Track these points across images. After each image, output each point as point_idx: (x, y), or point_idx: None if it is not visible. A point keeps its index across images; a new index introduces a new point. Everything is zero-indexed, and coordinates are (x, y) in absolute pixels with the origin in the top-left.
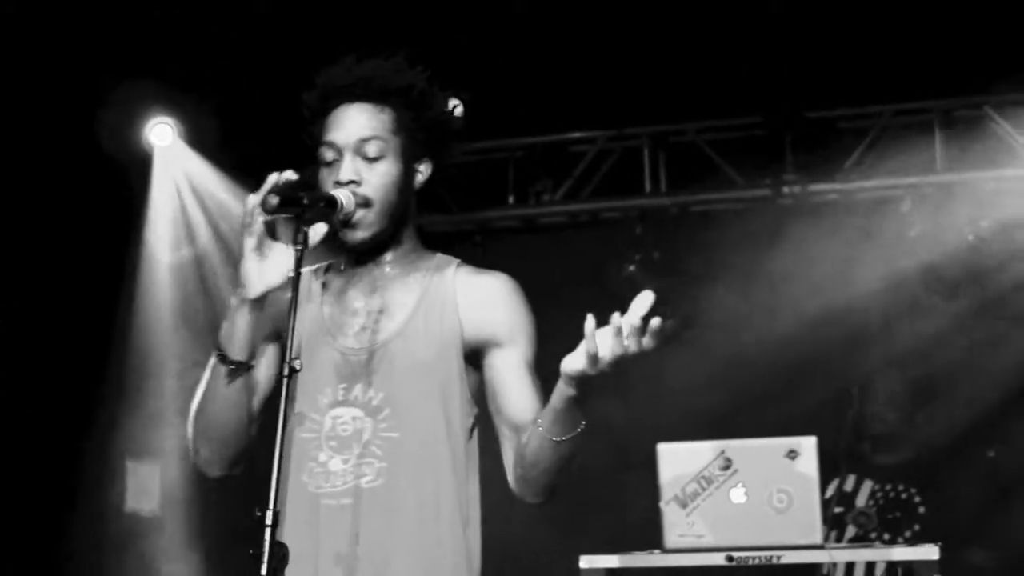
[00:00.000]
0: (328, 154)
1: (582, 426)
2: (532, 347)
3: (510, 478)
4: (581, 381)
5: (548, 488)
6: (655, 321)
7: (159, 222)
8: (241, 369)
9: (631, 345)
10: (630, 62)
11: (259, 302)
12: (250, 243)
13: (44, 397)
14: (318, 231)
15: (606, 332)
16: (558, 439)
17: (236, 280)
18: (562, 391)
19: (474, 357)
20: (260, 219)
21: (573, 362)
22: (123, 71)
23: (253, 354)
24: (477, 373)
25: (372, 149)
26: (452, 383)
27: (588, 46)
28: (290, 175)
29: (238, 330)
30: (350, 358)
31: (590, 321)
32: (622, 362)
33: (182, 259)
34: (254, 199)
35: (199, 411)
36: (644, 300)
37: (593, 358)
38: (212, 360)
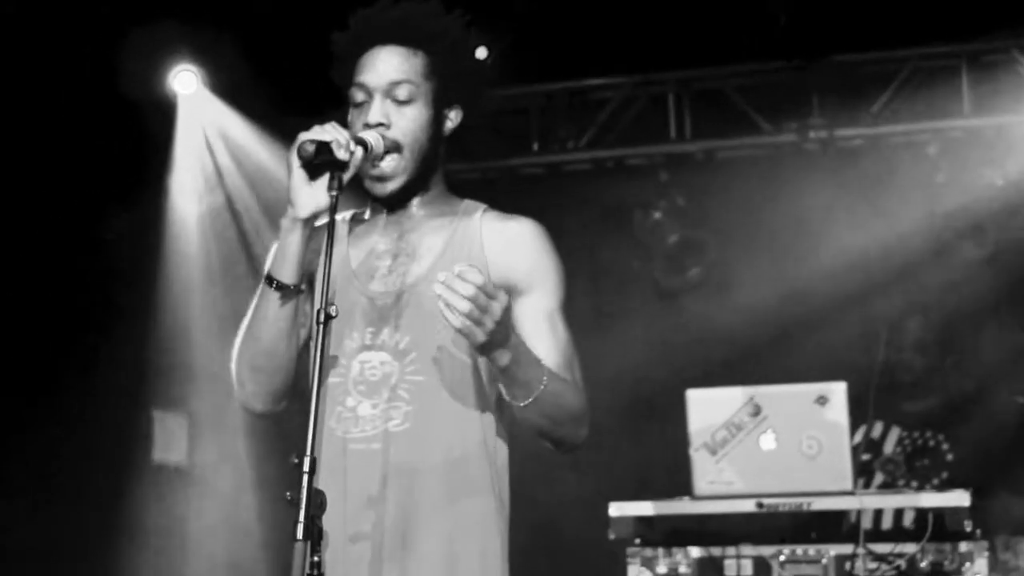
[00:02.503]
0: (358, 95)
1: (542, 386)
2: (556, 294)
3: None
4: (478, 349)
5: (558, 443)
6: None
7: (185, 172)
8: (291, 293)
9: (453, 320)
10: (655, 7)
11: (309, 222)
12: (297, 165)
13: (69, 350)
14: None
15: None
16: (522, 404)
17: (287, 201)
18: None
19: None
20: (297, 164)
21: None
22: (145, 16)
23: (302, 278)
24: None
25: (403, 92)
26: None
27: None
28: (331, 127)
29: (289, 252)
30: (377, 302)
31: (436, 287)
32: (472, 335)
33: (209, 209)
34: (303, 136)
35: (246, 339)
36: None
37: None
38: (261, 285)
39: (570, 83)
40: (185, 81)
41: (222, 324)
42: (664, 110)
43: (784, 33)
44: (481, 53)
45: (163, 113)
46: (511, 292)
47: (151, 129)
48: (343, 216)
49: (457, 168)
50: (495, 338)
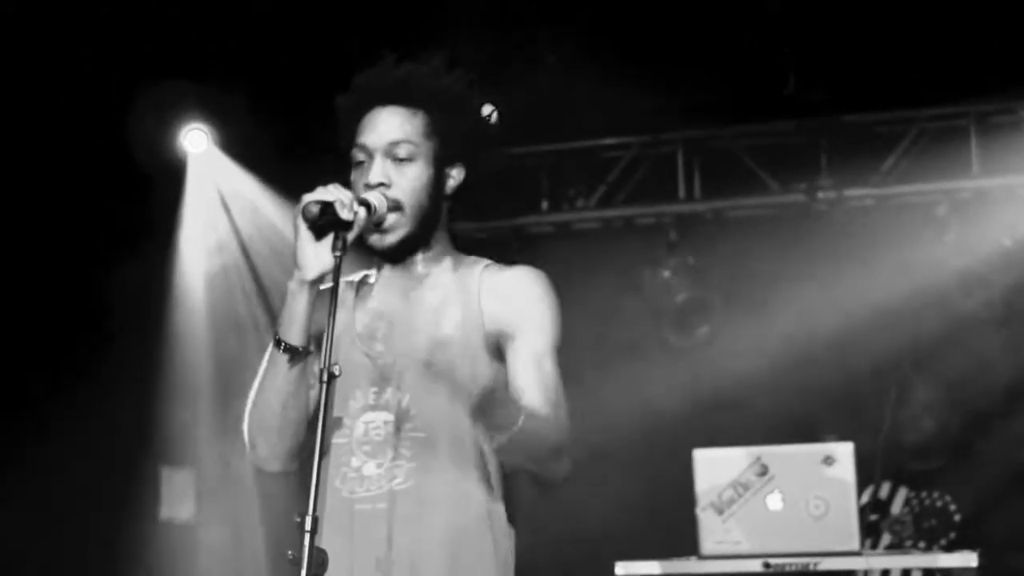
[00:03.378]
0: (359, 156)
1: (517, 426)
2: (546, 336)
3: None
4: None
5: (536, 477)
6: None
7: (194, 230)
8: (300, 356)
9: None
10: (663, 67)
11: (316, 284)
12: (304, 227)
13: (74, 406)
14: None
15: None
16: (500, 443)
17: (293, 264)
18: None
19: (499, 352)
20: (303, 226)
21: None
22: (156, 75)
23: (310, 340)
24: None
25: (402, 151)
26: (477, 381)
27: (622, 52)
28: (333, 187)
29: (296, 314)
30: (379, 362)
31: None
32: None
33: (218, 267)
34: (307, 197)
35: (256, 401)
36: None
37: None
38: (270, 348)
39: (580, 142)
40: (195, 140)
41: (230, 381)
42: (673, 170)
43: (793, 94)
44: (492, 114)
45: (173, 172)
46: (503, 337)
47: (161, 188)
48: (352, 279)
49: (466, 227)
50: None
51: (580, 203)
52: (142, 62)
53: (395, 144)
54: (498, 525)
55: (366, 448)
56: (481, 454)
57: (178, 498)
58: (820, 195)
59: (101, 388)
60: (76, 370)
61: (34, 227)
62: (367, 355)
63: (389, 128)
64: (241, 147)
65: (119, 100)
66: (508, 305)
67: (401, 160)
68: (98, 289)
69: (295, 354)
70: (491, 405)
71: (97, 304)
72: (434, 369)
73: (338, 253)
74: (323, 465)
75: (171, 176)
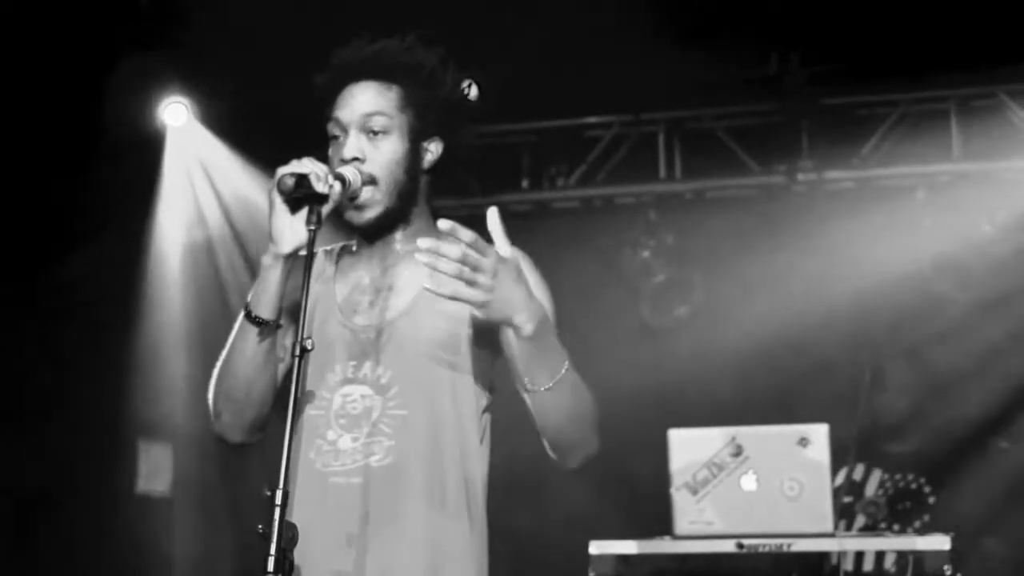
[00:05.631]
0: (334, 131)
1: (565, 367)
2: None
3: (550, 454)
4: (490, 315)
5: (575, 447)
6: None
7: (172, 203)
8: (269, 328)
9: (443, 289)
10: (647, 47)
11: (290, 258)
12: (279, 200)
13: (55, 375)
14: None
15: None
16: (544, 388)
17: (268, 238)
18: (504, 338)
19: (490, 335)
20: (278, 199)
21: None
22: (136, 47)
23: (281, 314)
24: (497, 351)
25: (376, 124)
26: (461, 362)
27: (605, 30)
28: (308, 161)
29: (268, 288)
30: (359, 335)
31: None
32: (471, 299)
33: (195, 240)
34: (282, 170)
35: (223, 371)
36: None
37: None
38: (240, 319)
39: (561, 121)
40: (175, 112)
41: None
42: (654, 150)
43: (775, 75)
44: (472, 90)
45: (151, 144)
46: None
47: (139, 161)
48: (333, 248)
49: (446, 204)
50: (502, 298)
51: (560, 182)
52: (123, 34)
53: (368, 117)
54: (475, 506)
55: (342, 421)
56: (461, 433)
57: (155, 471)
58: (800, 177)
59: (77, 361)
60: (52, 343)
61: (9, 199)
62: (346, 327)
63: (362, 102)
64: (222, 121)
65: (98, 71)
66: None
67: (376, 134)
68: (75, 261)
69: (265, 327)
70: (540, 334)
71: (74, 277)
72: (414, 344)
73: (312, 227)
74: (297, 438)
75: (149, 149)
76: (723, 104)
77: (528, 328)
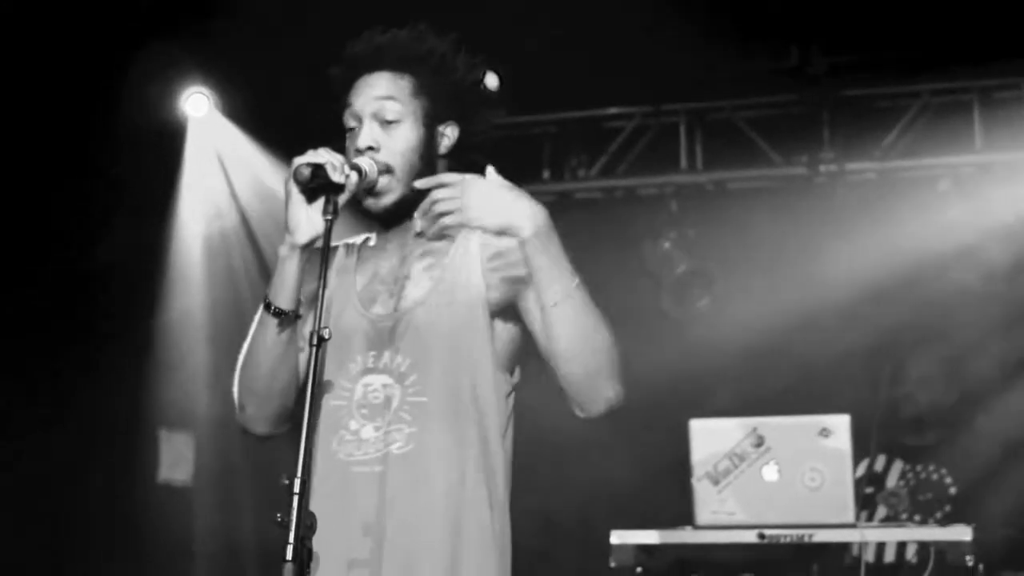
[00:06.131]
0: (349, 121)
1: (576, 283)
2: None
3: (573, 408)
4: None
5: (594, 382)
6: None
7: (193, 193)
8: (288, 319)
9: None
10: (668, 38)
11: (307, 248)
12: (295, 190)
13: (74, 369)
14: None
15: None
16: (556, 301)
17: (285, 228)
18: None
19: (511, 313)
20: (295, 189)
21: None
22: (158, 37)
23: (300, 304)
24: (518, 333)
25: (389, 113)
26: (479, 348)
27: (627, 21)
28: (324, 151)
29: (287, 278)
30: (378, 325)
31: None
32: (451, 220)
33: (216, 230)
34: (298, 160)
35: (245, 364)
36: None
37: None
38: (260, 311)
39: (582, 112)
40: (197, 103)
41: (228, 344)
42: (676, 140)
43: (796, 66)
44: (492, 80)
45: (173, 135)
46: (516, 294)
47: (160, 151)
48: (353, 242)
49: None
50: (486, 204)
51: (581, 173)
52: (145, 24)
53: (382, 106)
54: (496, 492)
55: (364, 411)
56: (482, 419)
57: (176, 460)
58: (822, 168)
59: (99, 351)
60: (74, 333)
61: (31, 190)
62: (365, 317)
63: (375, 91)
64: (243, 112)
65: (120, 62)
66: (512, 258)
67: (389, 123)
68: (96, 252)
69: (284, 317)
70: (549, 233)
71: (95, 267)
72: (431, 332)
73: (329, 216)
74: (319, 428)
75: (171, 139)
76: (745, 95)
77: (527, 228)
